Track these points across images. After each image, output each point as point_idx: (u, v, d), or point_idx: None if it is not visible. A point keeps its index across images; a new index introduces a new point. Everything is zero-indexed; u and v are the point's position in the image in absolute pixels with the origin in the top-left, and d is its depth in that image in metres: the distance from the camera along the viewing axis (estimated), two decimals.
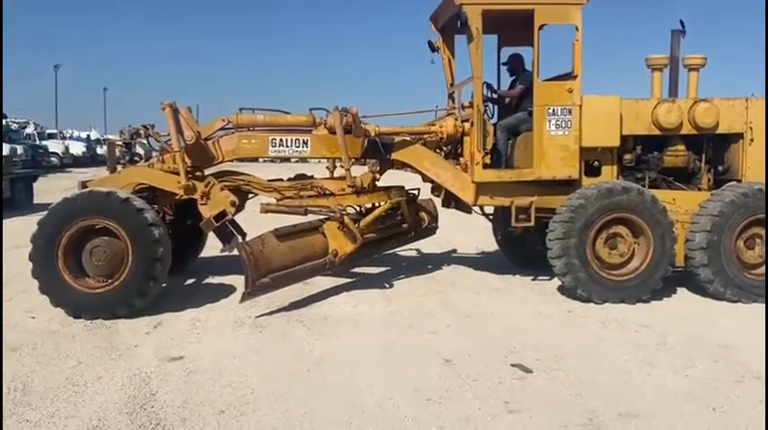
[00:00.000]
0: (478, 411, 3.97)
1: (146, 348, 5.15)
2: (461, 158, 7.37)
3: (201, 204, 6.67)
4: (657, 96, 7.41)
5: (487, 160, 7.08)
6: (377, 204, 7.35)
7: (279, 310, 6.29)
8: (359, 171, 7.24)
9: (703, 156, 7.51)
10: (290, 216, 7.03)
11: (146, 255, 5.94)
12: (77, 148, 37.14)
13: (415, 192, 8.01)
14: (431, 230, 8.63)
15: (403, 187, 7.64)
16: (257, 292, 6.08)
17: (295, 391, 4.27)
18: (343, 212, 6.81)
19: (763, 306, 6.42)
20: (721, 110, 7.18)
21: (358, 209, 7.54)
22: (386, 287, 7.32)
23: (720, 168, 7.56)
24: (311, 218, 7.03)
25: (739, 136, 7.30)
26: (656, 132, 7.22)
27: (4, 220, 12.43)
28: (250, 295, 6.02)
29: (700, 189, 7.43)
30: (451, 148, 7.67)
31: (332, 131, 6.90)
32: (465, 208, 7.79)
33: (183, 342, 5.32)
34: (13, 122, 27.70)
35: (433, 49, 7.96)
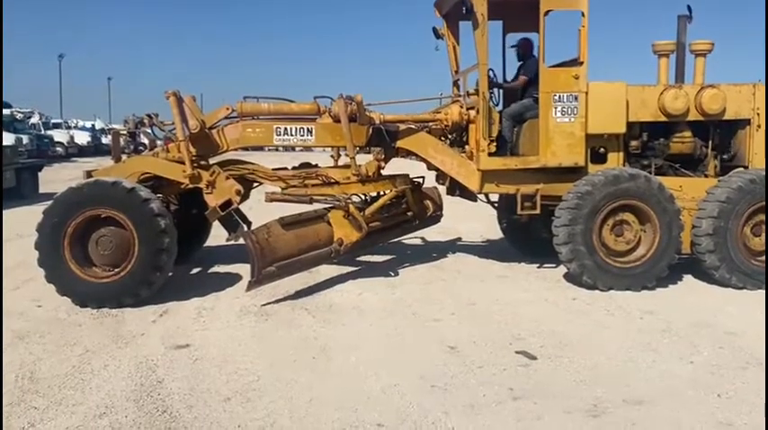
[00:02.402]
0: (483, 398, 3.98)
1: (152, 336, 5.18)
2: (467, 146, 7.33)
3: (207, 193, 6.67)
4: (664, 82, 7.37)
5: (493, 148, 7.05)
6: (382, 193, 7.34)
7: (284, 298, 6.31)
8: (364, 159, 7.23)
9: (710, 142, 7.46)
10: (295, 205, 7.03)
11: (152, 245, 5.94)
12: (82, 138, 37.20)
13: (420, 180, 7.99)
14: (435, 218, 8.62)
15: (408, 175, 7.62)
16: (264, 281, 6.10)
17: (300, 378, 4.29)
18: (349, 201, 6.81)
19: None
20: (728, 96, 7.12)
21: (363, 197, 7.52)
22: (390, 275, 7.33)
23: (727, 155, 7.51)
24: (316, 206, 7.02)
25: (746, 122, 7.26)
26: (663, 119, 7.17)
27: (9, 210, 12.52)
28: (256, 284, 6.03)
29: (706, 176, 7.39)
30: (456, 136, 7.63)
31: (336, 120, 6.87)
32: (470, 196, 7.77)
33: (189, 330, 5.35)
34: (18, 112, 27.65)
35: (437, 35, 7.91)
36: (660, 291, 6.63)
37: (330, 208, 6.84)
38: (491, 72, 7.26)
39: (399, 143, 7.22)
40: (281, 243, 6.27)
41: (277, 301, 6.21)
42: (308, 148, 8.62)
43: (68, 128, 38.45)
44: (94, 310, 5.85)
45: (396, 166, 7.66)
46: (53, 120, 37.44)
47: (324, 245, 6.64)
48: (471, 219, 10.50)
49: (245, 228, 7.04)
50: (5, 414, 3.74)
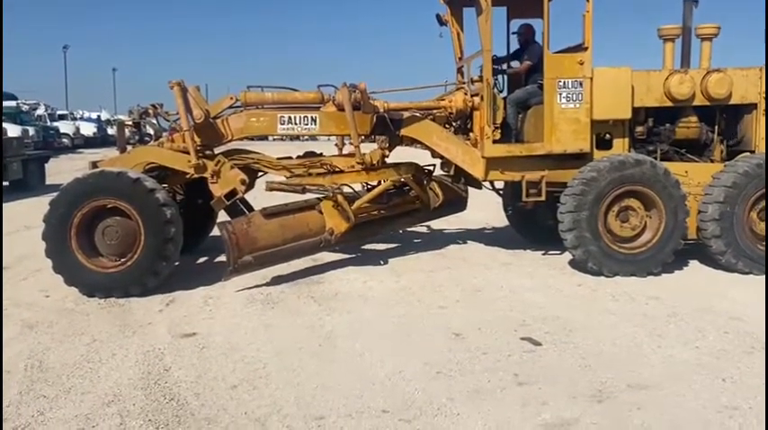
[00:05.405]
0: (488, 384, 4.00)
1: (159, 325, 5.22)
2: (471, 133, 7.32)
3: (212, 183, 6.67)
4: (669, 67, 7.31)
5: (497, 135, 7.03)
6: (383, 181, 7.31)
7: (290, 287, 6.34)
8: (369, 148, 7.21)
9: (716, 127, 7.41)
10: (294, 195, 7.03)
11: (158, 235, 5.98)
12: (88, 129, 37.32)
13: (431, 167, 7.93)
14: (457, 206, 8.51)
15: (413, 163, 7.58)
16: (241, 270, 6.16)
17: (307, 366, 4.32)
18: (337, 191, 6.79)
19: None
20: (735, 80, 7.07)
21: (365, 186, 7.50)
22: (396, 263, 7.34)
23: (733, 140, 7.46)
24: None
25: (753, 106, 7.20)
26: (668, 104, 7.13)
27: (16, 201, 12.60)
28: (233, 273, 6.11)
29: (712, 161, 7.36)
30: (461, 123, 7.62)
31: (340, 108, 6.86)
32: (475, 183, 7.75)
33: (196, 318, 5.38)
34: (24, 104, 27.81)
35: (441, 22, 7.86)
36: (666, 276, 6.62)
37: (323, 197, 6.84)
38: (495, 58, 7.22)
39: (404, 131, 7.20)
40: (263, 233, 6.29)
41: (283, 289, 6.24)
42: (312, 137, 8.58)
43: (74, 119, 38.63)
44: (102, 300, 5.90)
45: (408, 155, 7.62)
46: (59, 112, 37.62)
47: (314, 234, 6.65)
48: (476, 207, 10.46)
49: None
50: (16, 402, 3.78)
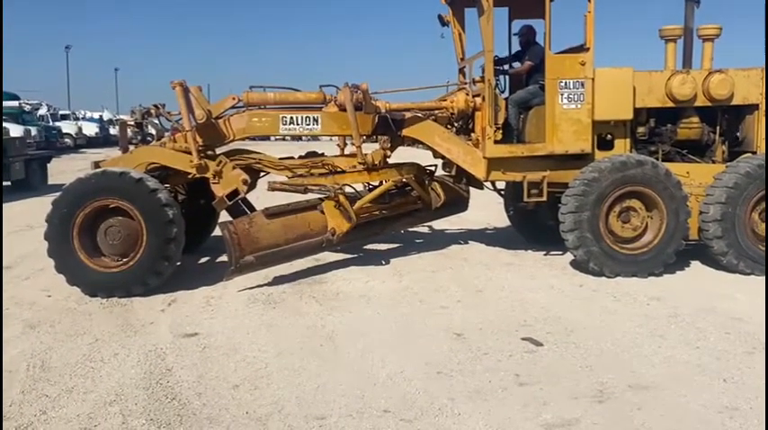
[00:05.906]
0: (489, 384, 4.00)
1: (161, 325, 5.23)
2: (473, 134, 7.32)
3: (214, 183, 6.68)
4: (671, 68, 7.31)
5: (499, 135, 7.03)
6: (385, 182, 7.32)
7: (291, 287, 6.35)
8: (370, 148, 7.22)
9: (718, 127, 7.41)
10: (297, 195, 7.04)
11: (160, 235, 5.99)
12: (90, 129, 37.38)
13: (432, 168, 7.93)
14: (459, 206, 8.52)
15: (415, 164, 7.58)
16: (243, 270, 6.17)
17: (308, 366, 4.32)
18: (339, 191, 6.79)
19: None
20: (736, 81, 7.07)
21: (369, 186, 7.50)
22: (397, 263, 7.35)
23: (735, 140, 7.46)
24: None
25: (755, 107, 7.19)
26: (670, 104, 7.13)
27: (19, 201, 12.63)
28: (234, 273, 6.13)
29: (714, 161, 7.35)
30: (463, 124, 7.62)
31: (342, 108, 6.86)
32: (477, 184, 7.76)
33: (198, 318, 5.39)
34: (27, 104, 27.80)
35: (443, 23, 7.86)
36: (667, 277, 6.62)
37: (324, 197, 6.85)
38: (496, 59, 7.22)
39: (405, 131, 7.20)
40: (265, 233, 6.30)
41: (284, 289, 6.25)
42: (314, 138, 8.59)
43: (76, 119, 38.69)
44: (104, 300, 5.91)
45: (409, 155, 7.61)
46: (61, 112, 37.60)
47: (316, 234, 6.65)
48: (478, 207, 10.47)
49: None
50: (18, 402, 3.80)
